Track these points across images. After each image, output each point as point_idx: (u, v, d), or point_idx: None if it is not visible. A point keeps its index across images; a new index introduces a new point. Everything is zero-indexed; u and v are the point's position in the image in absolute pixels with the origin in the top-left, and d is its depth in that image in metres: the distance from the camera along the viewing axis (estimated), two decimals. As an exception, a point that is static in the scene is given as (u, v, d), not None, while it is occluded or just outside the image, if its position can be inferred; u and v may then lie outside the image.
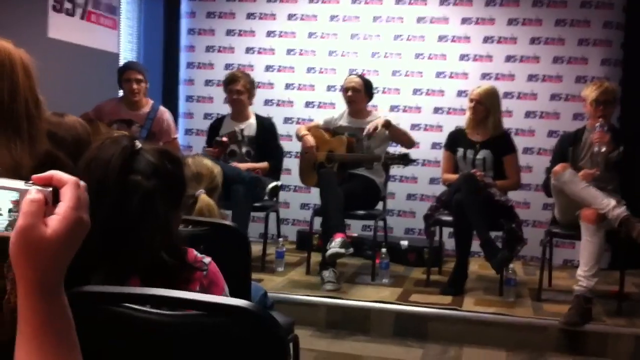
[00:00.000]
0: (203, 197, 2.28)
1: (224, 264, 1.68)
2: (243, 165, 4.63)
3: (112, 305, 1.27)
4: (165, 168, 1.46)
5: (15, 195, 0.75)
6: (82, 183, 0.79)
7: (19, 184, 0.76)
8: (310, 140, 4.71)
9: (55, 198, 0.77)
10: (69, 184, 0.77)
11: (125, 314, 1.26)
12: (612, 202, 3.86)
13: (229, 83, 4.78)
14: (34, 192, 0.75)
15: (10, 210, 0.76)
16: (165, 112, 4.73)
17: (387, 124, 4.49)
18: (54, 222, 0.75)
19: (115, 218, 1.42)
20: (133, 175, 1.42)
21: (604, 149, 3.96)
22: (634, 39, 5.44)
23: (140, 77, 4.60)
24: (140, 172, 1.42)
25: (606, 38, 5.44)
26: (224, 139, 4.68)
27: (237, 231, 2.13)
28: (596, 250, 3.83)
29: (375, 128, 4.43)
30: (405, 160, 4.47)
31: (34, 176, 0.77)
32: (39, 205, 0.74)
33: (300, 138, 4.81)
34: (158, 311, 1.28)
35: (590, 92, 4.16)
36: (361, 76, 4.88)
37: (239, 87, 4.74)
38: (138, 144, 1.44)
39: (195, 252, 1.56)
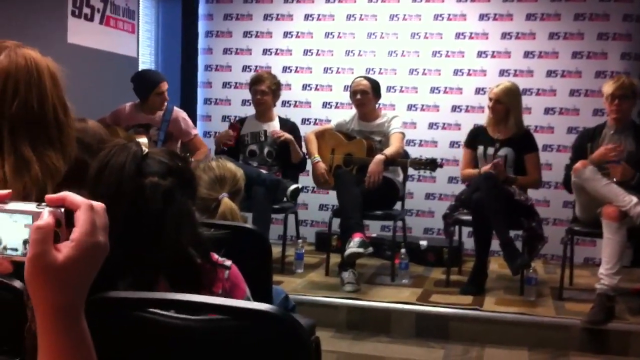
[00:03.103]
0: (226, 201, 2.28)
1: (245, 267, 1.69)
2: (286, 136, 4.66)
3: (138, 311, 1.29)
4: (177, 166, 1.49)
5: (29, 219, 0.74)
6: (96, 205, 0.77)
7: (31, 206, 0.75)
8: (322, 167, 4.69)
9: (68, 219, 0.75)
10: (83, 208, 0.75)
11: (151, 319, 1.27)
12: (634, 199, 3.82)
13: (254, 83, 4.79)
14: (45, 216, 0.73)
15: (25, 241, 0.74)
16: (179, 112, 4.76)
17: (385, 161, 4.42)
18: (67, 248, 0.73)
19: (138, 222, 1.43)
20: (150, 178, 1.44)
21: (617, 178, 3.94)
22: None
23: (167, 86, 4.65)
24: (155, 174, 1.44)
25: (626, 31, 5.39)
26: (237, 125, 4.79)
27: (258, 234, 2.13)
28: (618, 248, 3.79)
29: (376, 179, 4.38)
30: (432, 165, 4.41)
31: (47, 197, 0.76)
32: (46, 231, 0.72)
33: (310, 155, 4.79)
34: (183, 316, 1.29)
35: (607, 87, 4.13)
36: (368, 77, 4.85)
37: (263, 88, 4.75)
38: (145, 149, 1.47)
39: (216, 256, 1.57)
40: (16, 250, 0.75)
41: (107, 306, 1.24)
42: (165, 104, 4.63)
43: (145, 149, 1.48)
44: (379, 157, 4.41)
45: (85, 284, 0.76)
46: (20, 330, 1.09)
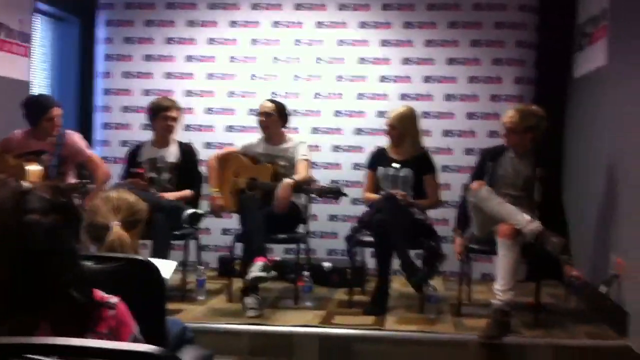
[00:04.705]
0: (116, 230, 2.21)
1: (137, 301, 1.64)
2: (169, 195, 4.57)
3: (15, 358, 1.23)
4: (60, 202, 1.45)
5: None
6: None
7: None
8: (219, 203, 4.66)
9: None
10: None
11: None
12: (527, 217, 3.98)
13: (164, 110, 4.69)
14: None
15: None
16: (72, 135, 4.62)
17: (294, 187, 4.41)
18: None
19: (18, 262, 1.38)
20: (30, 215, 1.39)
21: None
22: (546, 57, 5.67)
23: (61, 111, 4.50)
24: (36, 211, 1.40)
25: (519, 57, 5.65)
26: (138, 170, 4.63)
27: (150, 265, 2.08)
28: (512, 264, 3.93)
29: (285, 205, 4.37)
30: (337, 194, 4.43)
31: None
32: None
33: (209, 185, 4.74)
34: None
35: (504, 117, 4.30)
36: (274, 100, 4.89)
37: (175, 115, 4.71)
38: (26, 185, 1.42)
39: (101, 293, 1.53)
40: None
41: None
42: (58, 129, 4.48)
43: (27, 185, 1.43)
44: (287, 181, 4.40)
45: None
46: None
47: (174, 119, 4.71)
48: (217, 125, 5.89)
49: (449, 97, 5.71)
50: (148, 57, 5.95)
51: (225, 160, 4.82)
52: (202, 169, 4.95)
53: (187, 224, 4.47)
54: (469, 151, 5.60)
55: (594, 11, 4.88)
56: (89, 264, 1.87)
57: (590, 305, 4.24)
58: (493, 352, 3.82)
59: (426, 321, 4.12)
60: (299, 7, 5.85)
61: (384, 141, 4.88)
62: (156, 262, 2.06)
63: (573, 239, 4.21)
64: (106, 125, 6.01)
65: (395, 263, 4.33)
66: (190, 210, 4.44)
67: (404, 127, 4.58)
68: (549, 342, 3.84)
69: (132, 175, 4.62)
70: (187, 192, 4.69)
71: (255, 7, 5.89)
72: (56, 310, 1.41)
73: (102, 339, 1.44)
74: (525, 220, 3.97)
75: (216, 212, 4.70)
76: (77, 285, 1.44)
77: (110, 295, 1.54)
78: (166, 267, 2.23)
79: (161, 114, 4.70)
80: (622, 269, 3.95)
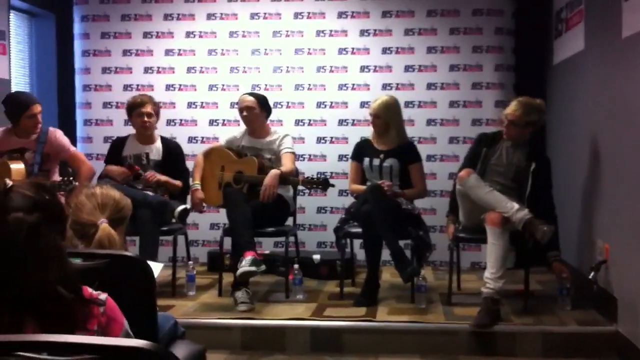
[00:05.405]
0: (104, 227, 2.18)
1: (127, 297, 1.63)
2: (161, 177, 4.55)
3: (3, 355, 1.22)
4: (44, 199, 1.44)
5: None
6: None
7: None
8: (199, 195, 4.63)
9: None
10: None
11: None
12: (515, 205, 3.98)
13: (138, 106, 4.63)
14: None
15: None
16: (54, 132, 4.55)
17: (280, 176, 4.38)
18: None
19: (3, 261, 1.37)
20: (13, 214, 1.38)
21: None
22: (524, 43, 5.69)
23: (41, 108, 4.44)
24: (20, 209, 1.39)
25: (498, 44, 5.65)
26: (135, 167, 4.58)
27: (138, 261, 2.05)
28: (501, 252, 3.94)
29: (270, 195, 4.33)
30: (324, 185, 4.41)
31: None
32: None
33: (192, 179, 4.73)
34: (53, 358, 1.23)
35: (507, 109, 4.23)
36: (253, 93, 4.84)
37: (149, 110, 4.64)
38: (9, 182, 1.41)
39: (90, 290, 1.51)
40: None
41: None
42: (39, 126, 4.43)
43: (10, 183, 1.42)
44: (274, 171, 4.39)
45: None
46: None
47: (150, 115, 4.64)
48: (200, 120, 5.84)
49: (430, 86, 5.71)
50: (126, 52, 5.88)
51: (211, 155, 4.78)
52: (188, 164, 4.91)
53: (178, 220, 4.44)
54: (452, 140, 5.61)
55: (569, -4, 4.90)
56: (77, 261, 1.86)
57: (578, 292, 4.25)
58: (484, 340, 3.83)
59: (417, 311, 4.12)
60: (275, -2, 5.81)
61: (368, 132, 4.86)
62: None
63: (558, 225, 4.22)
64: (87, 122, 5.93)
65: (385, 254, 4.32)
66: (181, 207, 4.42)
67: (388, 116, 4.56)
68: (538, 328, 3.86)
69: (129, 166, 4.59)
70: (178, 182, 4.66)
71: (231, -1, 5.84)
72: (44, 308, 1.39)
73: (93, 336, 1.43)
74: (514, 209, 3.97)
75: (197, 205, 4.65)
76: (65, 283, 1.43)
77: (99, 292, 1.53)
78: (153, 269, 2.21)
79: (136, 111, 4.65)
80: (608, 255, 3.96)
